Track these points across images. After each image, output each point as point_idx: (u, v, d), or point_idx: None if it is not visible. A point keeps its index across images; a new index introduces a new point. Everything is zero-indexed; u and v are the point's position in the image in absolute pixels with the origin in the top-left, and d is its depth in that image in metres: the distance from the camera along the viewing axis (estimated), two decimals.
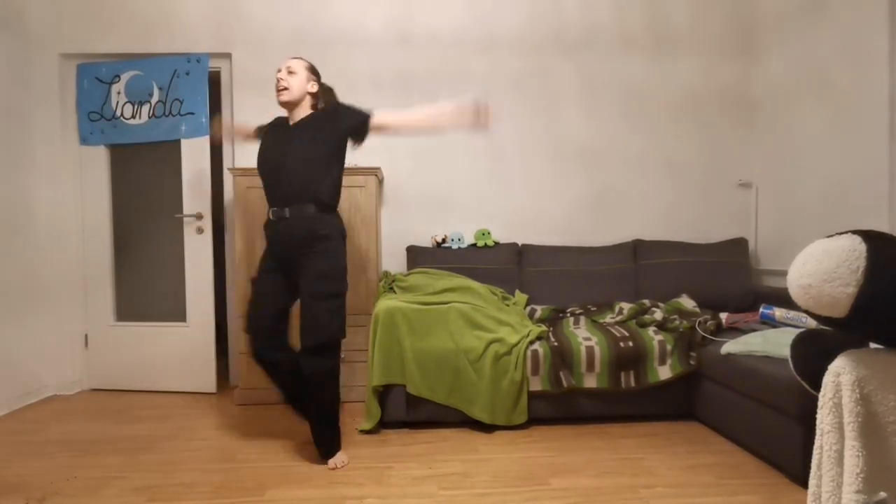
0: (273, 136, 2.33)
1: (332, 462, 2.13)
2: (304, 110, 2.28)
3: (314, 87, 2.29)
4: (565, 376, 2.49)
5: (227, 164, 3.35)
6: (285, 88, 2.22)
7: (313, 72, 2.31)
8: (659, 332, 2.58)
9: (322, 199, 2.18)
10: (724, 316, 2.69)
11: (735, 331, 2.57)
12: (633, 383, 2.51)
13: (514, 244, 3.31)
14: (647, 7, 3.44)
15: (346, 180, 2.97)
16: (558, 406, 2.55)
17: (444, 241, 3.30)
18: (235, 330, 3.24)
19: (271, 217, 2.24)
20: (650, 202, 3.48)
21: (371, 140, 3.31)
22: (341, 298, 2.19)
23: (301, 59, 2.32)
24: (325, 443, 2.17)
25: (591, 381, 2.51)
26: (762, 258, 3.41)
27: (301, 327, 2.13)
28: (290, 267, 2.20)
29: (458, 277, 2.97)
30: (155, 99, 3.21)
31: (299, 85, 2.24)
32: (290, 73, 2.24)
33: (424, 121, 2.35)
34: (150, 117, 3.22)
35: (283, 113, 2.36)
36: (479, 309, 2.60)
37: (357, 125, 2.25)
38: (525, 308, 3.01)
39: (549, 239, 3.42)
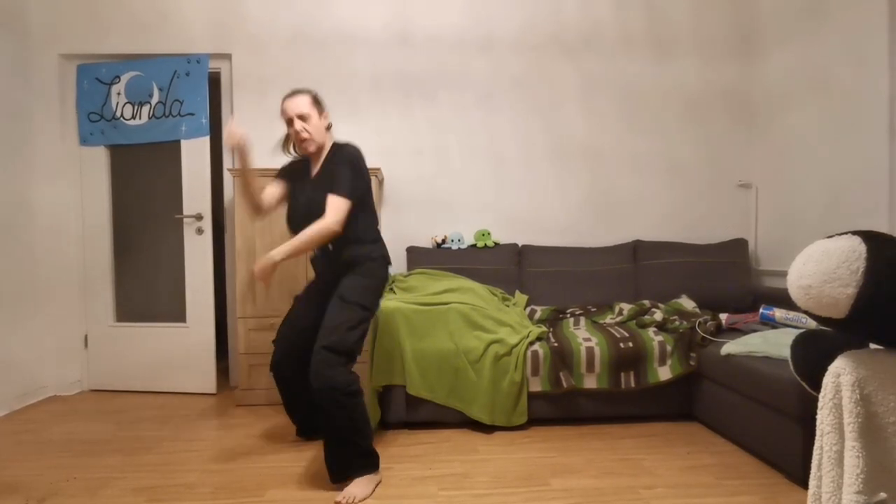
0: (299, 188, 2.19)
1: (345, 492, 1.86)
2: (323, 152, 2.18)
3: (328, 119, 2.16)
4: (565, 377, 2.49)
5: (226, 164, 3.35)
6: (308, 139, 2.10)
7: (318, 102, 2.15)
8: (659, 333, 2.58)
9: (359, 235, 2.12)
10: (723, 317, 2.69)
11: (735, 331, 2.57)
12: (632, 384, 2.51)
13: (514, 245, 3.31)
14: (646, 7, 3.45)
15: None
16: (558, 407, 2.55)
17: (443, 241, 3.30)
18: (235, 331, 3.24)
19: (316, 253, 2.21)
20: (650, 203, 3.49)
21: (371, 140, 3.36)
22: (366, 313, 2.06)
23: (303, 93, 2.12)
24: (333, 464, 1.93)
25: (591, 382, 2.51)
26: (762, 259, 3.41)
27: (321, 328, 1.99)
28: (334, 287, 2.11)
29: (458, 278, 2.97)
30: (155, 100, 3.21)
31: (317, 127, 2.11)
32: (304, 118, 2.09)
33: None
34: (150, 118, 3.22)
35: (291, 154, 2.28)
36: (478, 309, 2.60)
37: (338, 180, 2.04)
38: (525, 309, 3.01)
39: (548, 239, 3.42)
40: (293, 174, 2.27)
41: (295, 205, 2.19)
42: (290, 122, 2.12)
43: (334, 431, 1.91)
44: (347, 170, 2.05)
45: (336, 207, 2.00)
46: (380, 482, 1.98)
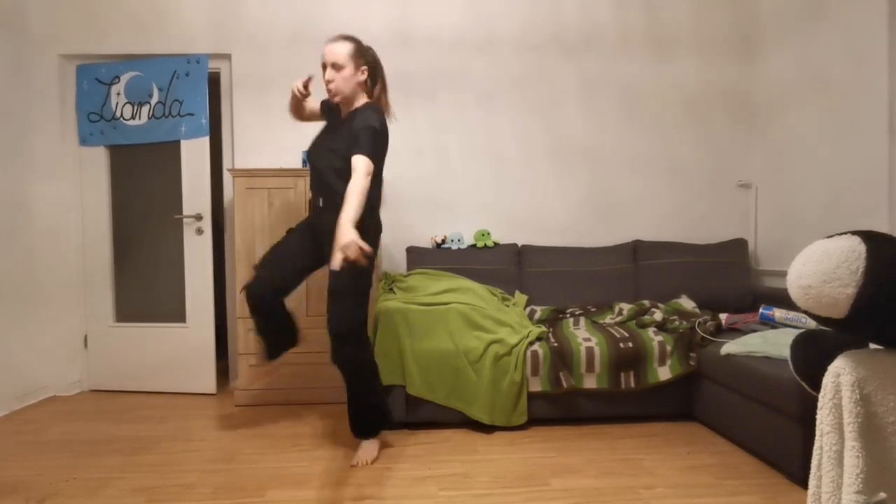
0: (326, 127, 2.27)
1: (356, 457, 2.16)
2: (358, 102, 2.15)
3: (365, 75, 2.11)
4: (565, 377, 2.49)
5: (226, 164, 3.35)
6: (333, 91, 2.07)
7: (359, 54, 2.09)
8: (659, 333, 2.58)
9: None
10: (723, 317, 2.69)
11: (735, 331, 2.57)
12: (632, 384, 2.51)
13: (514, 245, 3.31)
14: (646, 7, 3.45)
15: None
16: (558, 407, 2.55)
17: (443, 241, 3.30)
18: (235, 331, 3.24)
19: (311, 199, 2.26)
20: (650, 203, 3.49)
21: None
22: (363, 295, 2.14)
23: (345, 40, 2.07)
24: (357, 424, 2.22)
25: (590, 382, 2.51)
26: (762, 259, 3.41)
27: (327, 317, 2.12)
28: (321, 249, 2.21)
29: (458, 278, 2.97)
30: (154, 100, 3.21)
31: (347, 80, 2.06)
32: (336, 68, 2.04)
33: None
34: (149, 118, 3.22)
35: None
36: (478, 309, 2.60)
37: (361, 143, 2.02)
38: (525, 309, 3.01)
39: (548, 239, 3.42)
40: (330, 109, 2.30)
41: (316, 141, 2.24)
42: (323, 67, 2.09)
43: (355, 397, 2.18)
44: (369, 134, 2.01)
45: (361, 166, 1.96)
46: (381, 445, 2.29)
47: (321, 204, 2.19)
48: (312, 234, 2.27)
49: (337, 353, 2.12)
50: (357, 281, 2.11)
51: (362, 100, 2.18)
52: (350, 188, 1.92)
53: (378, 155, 2.08)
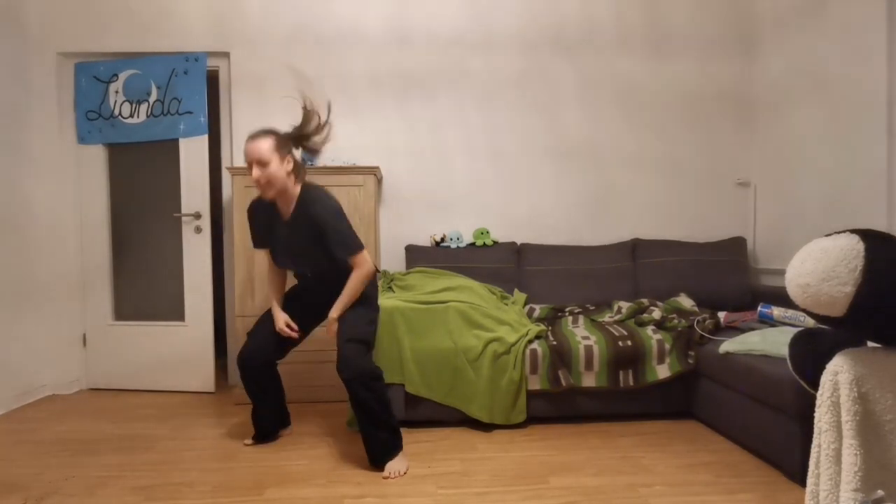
0: (276, 229, 2.23)
1: (388, 469, 2.02)
2: (290, 195, 2.14)
3: (290, 164, 2.10)
4: (564, 375, 2.49)
5: (225, 163, 3.34)
6: (264, 186, 2.05)
7: (281, 145, 2.08)
8: (657, 331, 2.58)
9: (346, 260, 2.15)
10: (722, 315, 2.69)
11: (733, 330, 2.57)
12: (631, 382, 2.51)
13: (513, 243, 3.31)
14: (645, 6, 3.44)
15: (344, 179, 3.00)
16: (557, 405, 2.55)
17: (442, 240, 3.30)
18: (234, 329, 3.23)
19: (307, 276, 2.33)
20: (649, 201, 3.49)
21: (370, 139, 3.36)
22: (375, 314, 2.32)
23: (265, 136, 2.06)
24: (378, 446, 2.07)
25: (589, 380, 2.51)
26: (760, 257, 3.41)
27: (342, 329, 2.15)
28: (310, 312, 2.34)
29: (457, 277, 2.97)
30: (153, 98, 3.20)
31: (276, 172, 2.04)
32: (262, 164, 2.02)
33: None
34: (148, 116, 3.21)
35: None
36: (477, 308, 2.60)
37: (335, 245, 2.11)
38: (524, 307, 3.01)
39: (547, 238, 3.42)
40: (266, 219, 2.25)
41: (276, 246, 2.28)
42: (249, 165, 2.06)
43: (368, 415, 2.06)
44: (340, 227, 2.12)
45: (361, 262, 2.15)
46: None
47: (310, 275, 2.31)
48: (302, 305, 2.34)
49: (352, 367, 2.05)
50: (371, 305, 2.29)
51: (296, 187, 2.16)
52: (351, 284, 2.14)
53: (357, 237, 2.17)
